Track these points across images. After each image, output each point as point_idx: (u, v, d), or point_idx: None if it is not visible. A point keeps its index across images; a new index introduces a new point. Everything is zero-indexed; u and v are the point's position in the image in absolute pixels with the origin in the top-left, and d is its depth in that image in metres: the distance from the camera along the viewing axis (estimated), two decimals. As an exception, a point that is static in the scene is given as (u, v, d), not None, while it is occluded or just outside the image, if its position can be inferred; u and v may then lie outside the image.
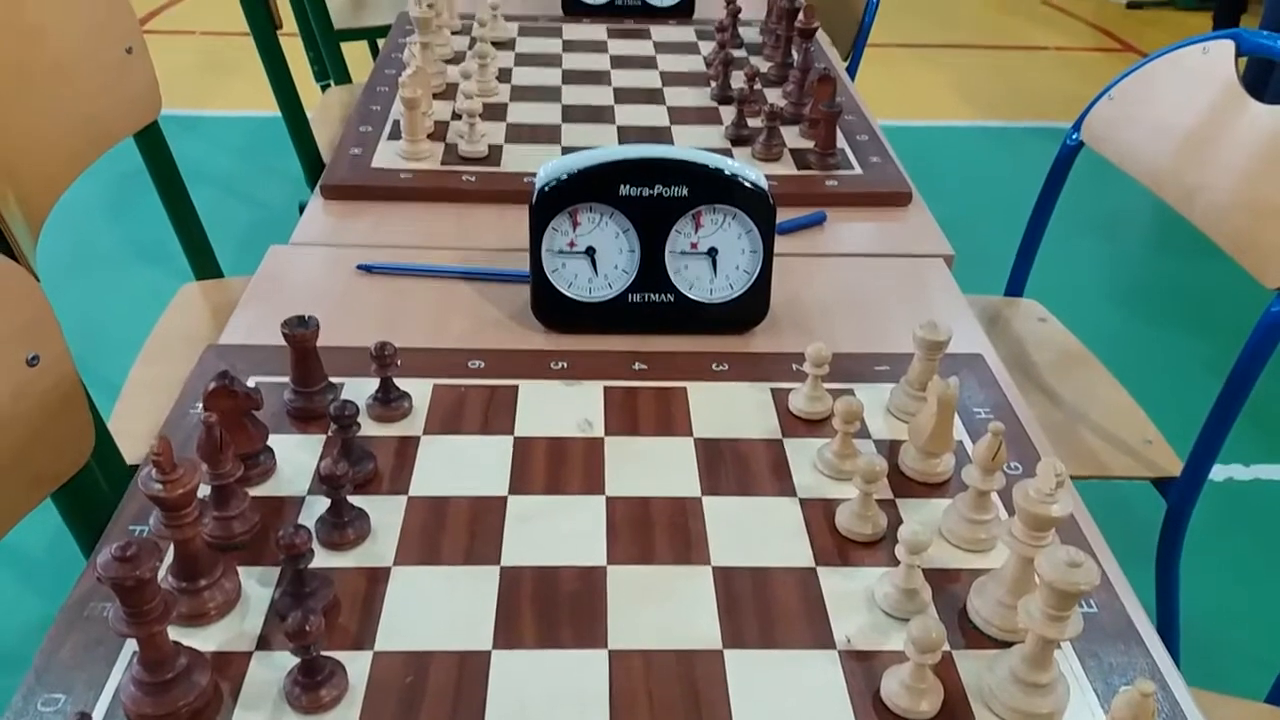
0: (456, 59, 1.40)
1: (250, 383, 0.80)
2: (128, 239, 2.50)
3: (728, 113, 1.27)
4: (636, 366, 0.84)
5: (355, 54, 2.50)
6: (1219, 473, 1.98)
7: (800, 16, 1.29)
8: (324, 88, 2.33)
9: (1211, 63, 1.27)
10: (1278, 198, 1.15)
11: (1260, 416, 1.88)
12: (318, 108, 2.09)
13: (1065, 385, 1.36)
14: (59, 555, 1.64)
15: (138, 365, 1.32)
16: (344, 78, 2.32)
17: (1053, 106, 3.46)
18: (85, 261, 2.40)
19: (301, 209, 1.11)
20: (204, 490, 0.63)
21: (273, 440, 0.73)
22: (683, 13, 1.58)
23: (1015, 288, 1.54)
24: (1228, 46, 1.25)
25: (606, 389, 0.82)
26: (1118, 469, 1.26)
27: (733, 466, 0.74)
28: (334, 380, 0.79)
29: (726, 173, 0.85)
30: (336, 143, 1.20)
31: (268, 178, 2.81)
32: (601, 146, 1.16)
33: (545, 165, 0.87)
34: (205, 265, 1.49)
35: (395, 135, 1.17)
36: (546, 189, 0.85)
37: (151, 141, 1.37)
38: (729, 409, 0.80)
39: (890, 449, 0.76)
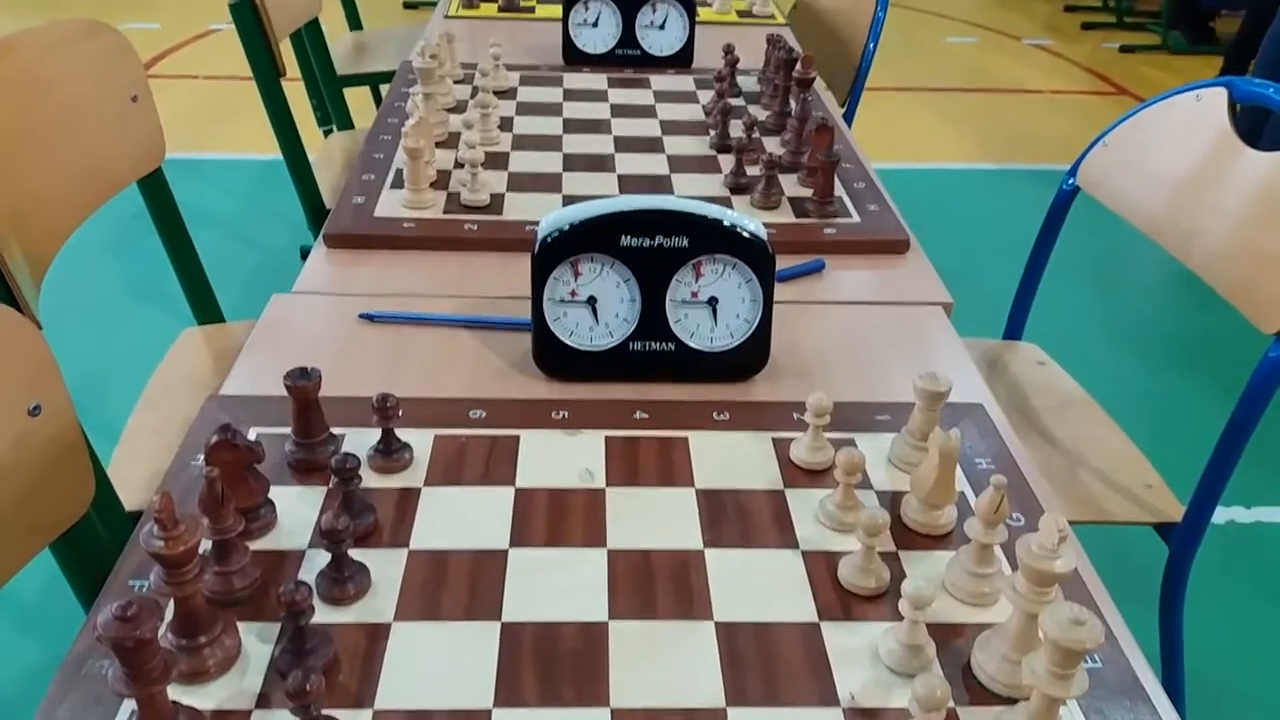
0: (459, 108, 1.42)
1: (252, 434, 0.80)
2: (129, 281, 2.51)
3: (726, 161, 1.28)
4: (638, 415, 0.85)
5: (357, 98, 2.53)
6: (1220, 515, 1.97)
7: (798, 67, 1.31)
8: (326, 133, 2.36)
9: (1205, 110, 1.28)
10: (1274, 244, 1.16)
11: (1261, 457, 1.87)
12: (320, 152, 2.11)
13: (1065, 429, 1.36)
14: (56, 600, 1.63)
15: (138, 410, 1.32)
16: (346, 123, 2.34)
17: (1048, 149, 3.50)
18: (87, 304, 2.41)
19: (303, 253, 1.12)
20: (204, 545, 0.63)
21: (274, 492, 0.72)
22: (681, 62, 1.60)
23: (1014, 331, 1.54)
24: (1220, 94, 1.26)
25: (608, 438, 0.82)
26: (1119, 514, 1.25)
27: (734, 518, 0.74)
28: (335, 431, 0.79)
29: (726, 223, 0.86)
30: (339, 189, 1.21)
31: (270, 221, 2.83)
32: (602, 197, 1.17)
33: (547, 216, 0.87)
34: (207, 309, 1.50)
35: (398, 184, 1.18)
36: (549, 239, 0.86)
37: (155, 187, 1.38)
38: (730, 459, 0.80)
39: (892, 500, 0.76)
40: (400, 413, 0.76)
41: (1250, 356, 1.12)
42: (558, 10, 1.60)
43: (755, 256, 0.87)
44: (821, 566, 0.69)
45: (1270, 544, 1.92)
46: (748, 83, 1.55)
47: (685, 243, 0.86)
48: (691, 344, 0.90)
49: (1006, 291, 1.54)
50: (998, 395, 1.45)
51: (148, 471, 1.20)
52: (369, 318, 0.98)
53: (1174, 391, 2.30)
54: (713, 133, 1.33)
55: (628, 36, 1.58)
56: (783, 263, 1.07)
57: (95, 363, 2.15)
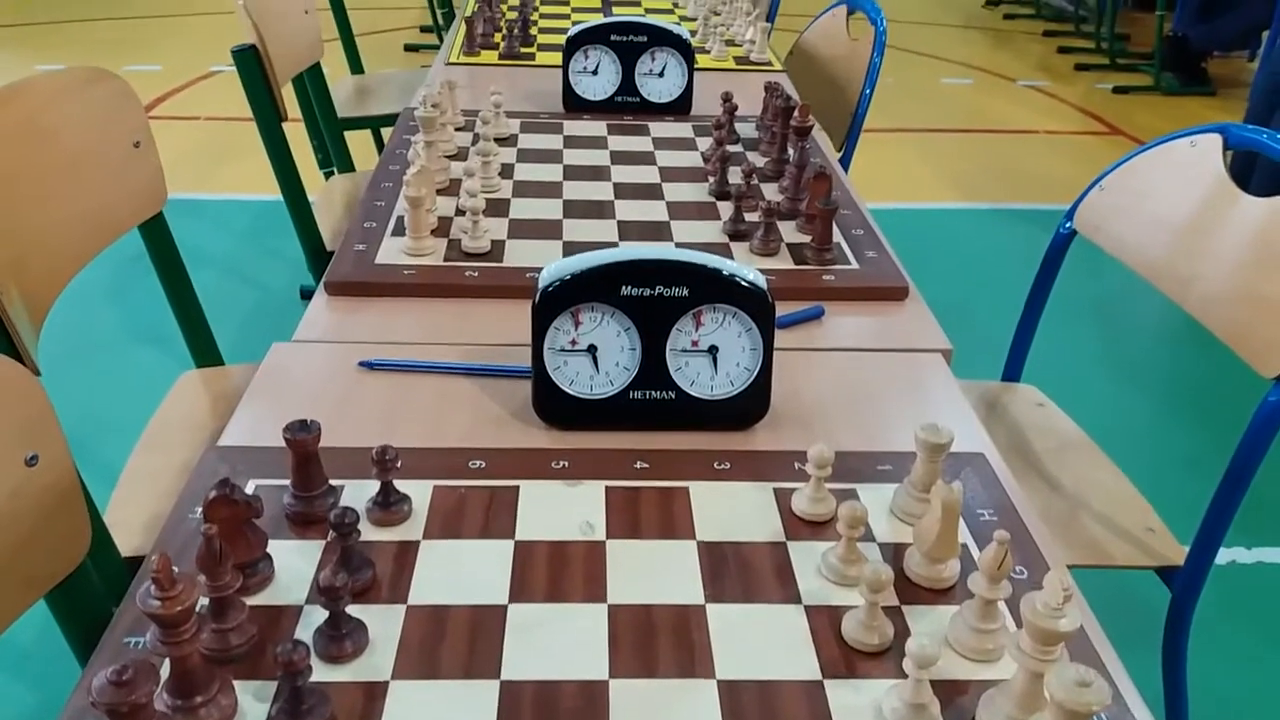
0: (460, 155, 1.43)
1: (250, 486, 0.80)
2: (129, 322, 2.52)
3: (725, 208, 1.29)
4: (638, 465, 0.84)
5: (359, 141, 2.55)
6: (1222, 555, 1.96)
7: (795, 115, 1.32)
8: (327, 175, 2.37)
9: (1200, 155, 1.29)
10: (1271, 289, 1.16)
11: (1262, 498, 1.86)
12: (321, 194, 2.12)
13: (1065, 472, 1.36)
14: (50, 644, 1.61)
15: (136, 454, 1.31)
16: (347, 165, 2.36)
17: (1045, 188, 3.53)
18: (86, 345, 2.41)
19: (304, 293, 1.12)
20: (201, 601, 0.62)
21: (272, 545, 0.72)
22: (680, 109, 1.61)
23: (1013, 373, 1.54)
24: (1215, 140, 1.28)
25: (608, 489, 0.81)
26: (1120, 558, 1.24)
27: (736, 571, 0.73)
28: (334, 483, 0.79)
29: (725, 273, 0.86)
30: (340, 231, 1.21)
31: (270, 260, 2.84)
32: (602, 243, 1.19)
33: (548, 266, 0.88)
34: (206, 352, 1.50)
35: (399, 231, 1.19)
36: (549, 289, 0.86)
37: (156, 231, 1.39)
38: (732, 510, 0.80)
39: (895, 553, 0.76)
40: (399, 464, 0.75)
41: (1250, 397, 1.12)
42: (558, 57, 1.62)
43: (755, 306, 0.87)
44: (824, 622, 0.69)
45: (1273, 585, 1.90)
46: (746, 129, 1.57)
47: (685, 292, 0.86)
48: (692, 392, 0.90)
49: (1005, 330, 1.54)
50: (997, 437, 1.46)
51: (145, 516, 1.19)
52: (368, 366, 0.98)
53: (1174, 432, 2.30)
54: (712, 179, 1.34)
55: (627, 84, 1.60)
56: (782, 309, 1.08)
57: (94, 404, 2.14)
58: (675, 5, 2.38)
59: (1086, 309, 2.71)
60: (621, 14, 2.26)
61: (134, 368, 2.33)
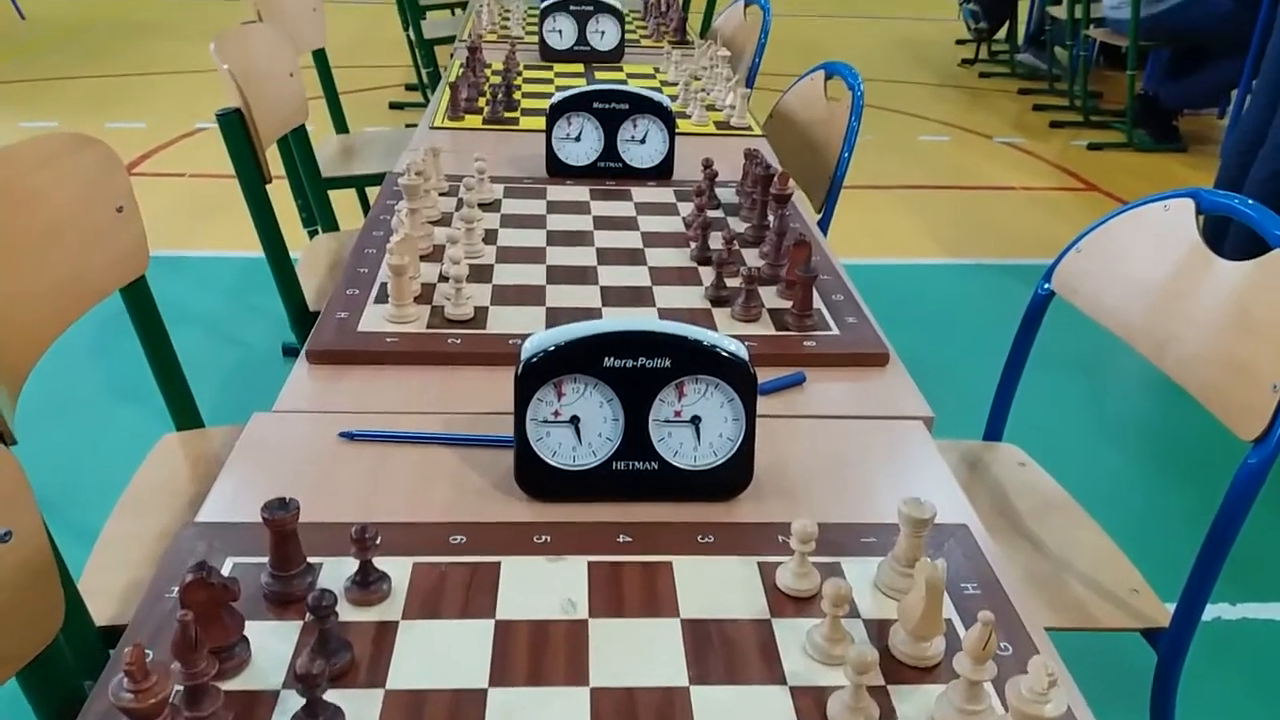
0: (444, 220, 1.44)
1: (228, 564, 0.78)
2: (108, 380, 2.50)
3: (707, 273, 1.30)
4: (621, 539, 0.84)
5: (343, 198, 2.56)
6: (1206, 612, 1.95)
7: (775, 182, 1.34)
8: (312, 234, 2.38)
9: (1174, 219, 1.32)
10: (1246, 353, 1.17)
11: (1246, 554, 1.87)
12: (305, 253, 2.13)
13: (1048, 533, 1.36)
14: (18, 713, 1.57)
15: (113, 518, 1.29)
16: (331, 225, 2.37)
17: (1024, 244, 3.58)
18: (64, 403, 2.38)
19: (285, 350, 1.11)
20: (176, 687, 0.61)
21: (249, 626, 0.71)
22: (662, 174, 1.63)
23: (994, 432, 1.55)
24: (1188, 204, 1.30)
25: (591, 564, 0.80)
26: (1105, 620, 1.24)
27: (720, 650, 0.72)
28: (313, 560, 0.78)
29: (706, 344, 0.87)
30: (323, 292, 1.21)
31: (252, 317, 2.83)
32: (586, 312, 1.19)
33: (531, 338, 0.88)
34: (186, 414, 1.48)
35: (382, 298, 1.19)
36: (532, 361, 0.86)
37: (137, 294, 1.38)
38: (716, 586, 0.79)
39: (880, 629, 0.75)
40: (379, 542, 0.75)
41: (1232, 455, 1.13)
42: (541, 122, 1.64)
43: (737, 376, 0.87)
44: (810, 703, 0.68)
45: (1258, 641, 1.90)
46: (726, 194, 1.59)
47: (668, 363, 0.87)
48: (675, 463, 0.89)
49: (985, 384, 1.55)
50: (980, 498, 1.46)
51: (121, 584, 1.17)
52: (349, 436, 0.98)
53: (1157, 491, 2.31)
54: (693, 245, 1.36)
55: (609, 150, 1.62)
56: (764, 375, 1.08)
57: (72, 463, 2.11)
58: (657, 70, 2.42)
59: (1067, 366, 2.74)
60: (604, 79, 2.31)
61: (113, 426, 2.30)
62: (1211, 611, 1.94)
